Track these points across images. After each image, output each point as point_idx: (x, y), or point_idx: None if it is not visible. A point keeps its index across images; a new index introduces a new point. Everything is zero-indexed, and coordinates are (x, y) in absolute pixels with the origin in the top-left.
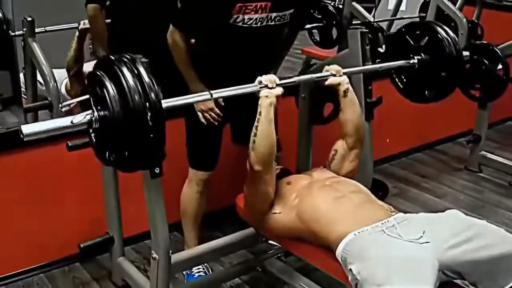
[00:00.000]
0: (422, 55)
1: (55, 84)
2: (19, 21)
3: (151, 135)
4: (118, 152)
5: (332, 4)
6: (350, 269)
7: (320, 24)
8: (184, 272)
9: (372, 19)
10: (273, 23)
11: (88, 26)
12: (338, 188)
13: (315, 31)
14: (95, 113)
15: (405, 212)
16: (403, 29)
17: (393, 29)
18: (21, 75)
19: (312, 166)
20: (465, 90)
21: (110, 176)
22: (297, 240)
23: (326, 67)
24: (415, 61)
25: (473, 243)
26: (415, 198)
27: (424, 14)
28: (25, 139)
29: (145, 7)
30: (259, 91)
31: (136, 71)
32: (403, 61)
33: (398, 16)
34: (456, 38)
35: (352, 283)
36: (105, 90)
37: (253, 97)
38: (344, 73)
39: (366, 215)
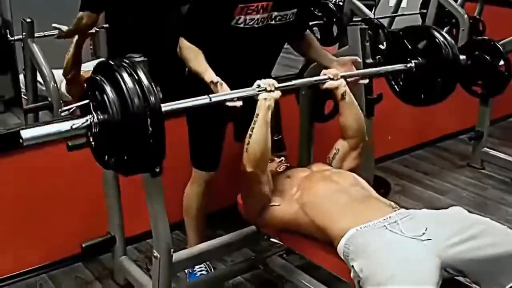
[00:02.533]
0: (420, 59)
1: (55, 84)
2: (18, 24)
3: (151, 139)
4: (118, 155)
5: (332, 1)
6: (353, 266)
7: (321, 22)
8: (186, 271)
9: (372, 16)
10: (273, 22)
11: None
12: (337, 180)
13: (315, 28)
14: (95, 118)
15: (408, 210)
16: (401, 33)
17: (394, 26)
18: (21, 77)
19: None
20: (467, 86)
21: (111, 176)
22: (297, 237)
23: (324, 71)
24: (412, 65)
25: (477, 241)
26: (418, 195)
27: (425, 11)
28: (24, 144)
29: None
30: (257, 94)
31: (135, 75)
32: (400, 65)
33: (399, 13)
34: (454, 43)
35: (354, 280)
36: (104, 95)
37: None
38: (342, 76)
39: (368, 211)
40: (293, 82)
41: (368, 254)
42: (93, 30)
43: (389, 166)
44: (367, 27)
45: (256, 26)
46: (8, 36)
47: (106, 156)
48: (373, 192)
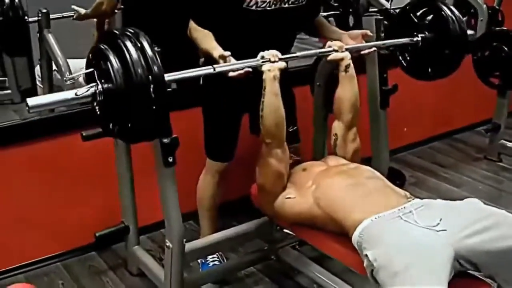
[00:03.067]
0: (426, 33)
1: (70, 74)
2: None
3: (154, 107)
4: (121, 123)
5: None
6: (366, 255)
7: (337, 12)
8: (199, 261)
9: (389, 6)
10: (286, 5)
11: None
12: (353, 174)
13: (331, 19)
14: (99, 86)
15: (423, 200)
16: (407, 7)
17: None
18: (37, 68)
19: (328, 155)
20: (484, 77)
21: (124, 166)
22: (310, 229)
23: (329, 43)
24: (419, 39)
25: (491, 233)
26: (433, 188)
27: None
28: (30, 111)
29: None
30: (261, 65)
31: (139, 45)
32: (406, 39)
33: None
34: (461, 17)
35: (367, 269)
36: (108, 63)
37: None
38: (347, 49)
39: (382, 201)
40: (298, 54)
41: (382, 244)
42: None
43: (404, 158)
44: (382, 17)
45: (268, 8)
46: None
47: (111, 124)
48: (388, 183)
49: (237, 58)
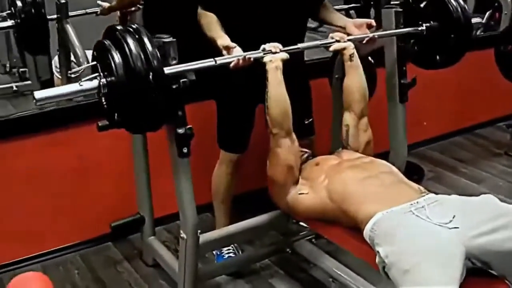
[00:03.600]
0: (431, 22)
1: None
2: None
3: (154, 99)
4: (125, 115)
5: None
6: (378, 252)
7: (358, 5)
8: (214, 252)
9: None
10: None
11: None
12: (367, 168)
13: (352, 11)
14: (103, 79)
15: (437, 195)
16: None
17: None
18: (55, 59)
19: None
20: (506, 72)
21: (141, 156)
22: (325, 223)
23: (331, 34)
24: (424, 28)
25: (505, 232)
26: (452, 183)
27: None
28: (37, 104)
29: None
30: (263, 56)
31: (139, 40)
32: (411, 28)
33: None
34: (464, 4)
35: (379, 266)
36: (110, 57)
37: (286, 78)
38: (349, 40)
39: (395, 195)
40: (299, 45)
41: (393, 240)
42: (135, 7)
43: (423, 152)
44: (402, 10)
45: None
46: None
47: (116, 115)
48: (402, 178)
49: (244, 45)
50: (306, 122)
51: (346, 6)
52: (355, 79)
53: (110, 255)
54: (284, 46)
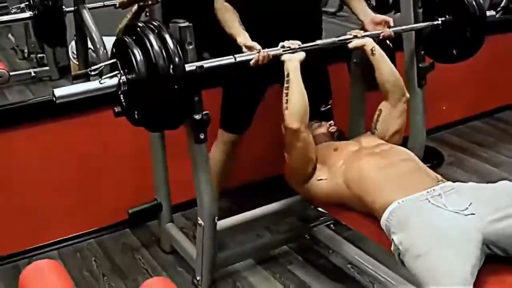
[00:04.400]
0: (446, 16)
1: (105, 51)
2: None
3: (175, 97)
4: (146, 113)
5: None
6: (393, 239)
7: None
8: None
9: None
10: None
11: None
12: (386, 156)
13: None
14: (123, 76)
15: (459, 182)
16: None
17: None
18: (72, 44)
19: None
20: None
21: (158, 143)
22: (344, 209)
23: (348, 32)
24: (439, 22)
25: None
26: (471, 167)
27: None
28: (57, 102)
29: None
30: (282, 54)
31: (161, 36)
32: (427, 23)
33: None
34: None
35: (395, 253)
36: (131, 55)
37: (302, 63)
38: (367, 36)
39: (411, 183)
40: (318, 42)
41: (408, 227)
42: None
43: (442, 137)
44: None
45: None
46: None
47: (136, 113)
48: (420, 165)
49: (260, 37)
50: (322, 109)
51: None
52: (382, 70)
53: (127, 242)
54: (302, 42)
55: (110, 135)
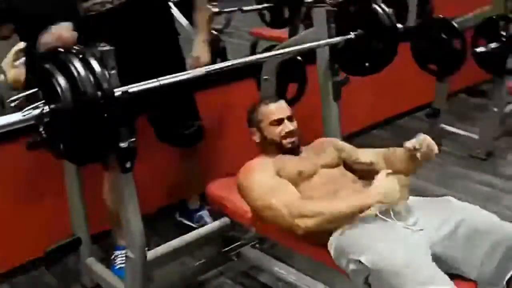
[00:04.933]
0: (359, 30)
1: (4, 77)
2: None
3: (106, 126)
4: (71, 145)
5: None
6: (358, 260)
7: (271, 5)
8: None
9: None
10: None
11: None
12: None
13: (265, 11)
14: (45, 107)
15: None
16: (341, 5)
17: None
18: None
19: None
20: (423, 64)
21: (73, 174)
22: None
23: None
24: (352, 36)
25: (462, 230)
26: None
27: None
28: None
29: None
30: None
31: (86, 62)
32: (340, 37)
33: None
34: (391, 12)
35: (358, 274)
36: (55, 83)
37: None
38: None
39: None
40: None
41: (370, 246)
42: None
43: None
44: (334, 9)
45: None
46: None
47: (60, 145)
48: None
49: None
50: (186, 133)
51: (259, 6)
52: (399, 167)
53: (45, 281)
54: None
55: (19, 167)
